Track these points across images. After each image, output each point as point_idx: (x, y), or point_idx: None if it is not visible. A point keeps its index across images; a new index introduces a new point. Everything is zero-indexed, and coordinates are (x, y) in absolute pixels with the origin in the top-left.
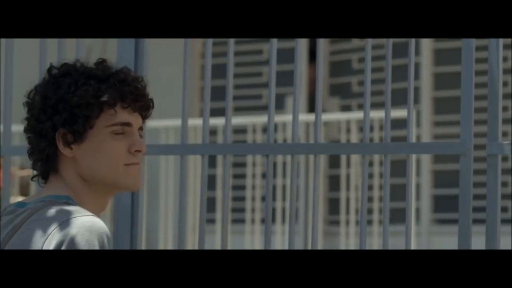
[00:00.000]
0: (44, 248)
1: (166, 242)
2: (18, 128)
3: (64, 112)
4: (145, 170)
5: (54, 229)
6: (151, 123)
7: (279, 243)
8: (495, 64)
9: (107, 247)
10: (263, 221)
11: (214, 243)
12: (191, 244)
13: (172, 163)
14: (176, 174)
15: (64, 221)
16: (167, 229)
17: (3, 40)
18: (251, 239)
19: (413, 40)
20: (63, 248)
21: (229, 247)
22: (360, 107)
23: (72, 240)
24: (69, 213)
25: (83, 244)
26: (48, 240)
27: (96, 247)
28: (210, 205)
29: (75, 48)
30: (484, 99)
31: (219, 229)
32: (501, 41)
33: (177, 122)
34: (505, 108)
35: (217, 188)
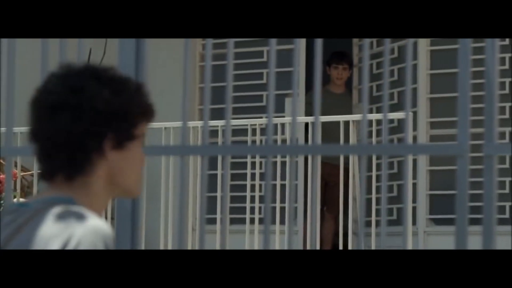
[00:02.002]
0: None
1: (166, 242)
2: (19, 129)
3: (120, 119)
4: (145, 171)
5: (59, 230)
6: (151, 124)
7: (278, 242)
8: (492, 65)
9: None
10: (262, 220)
11: (214, 243)
12: (191, 244)
13: (172, 163)
14: (176, 175)
15: (69, 223)
16: (167, 229)
17: (4, 40)
18: (250, 239)
19: (410, 42)
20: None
21: (228, 247)
22: (378, 110)
23: (77, 242)
24: (74, 215)
25: (88, 246)
26: (52, 241)
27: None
28: (210, 205)
29: (77, 49)
30: (481, 100)
31: (218, 229)
32: (497, 42)
33: (177, 123)
34: (502, 109)
35: (217, 188)
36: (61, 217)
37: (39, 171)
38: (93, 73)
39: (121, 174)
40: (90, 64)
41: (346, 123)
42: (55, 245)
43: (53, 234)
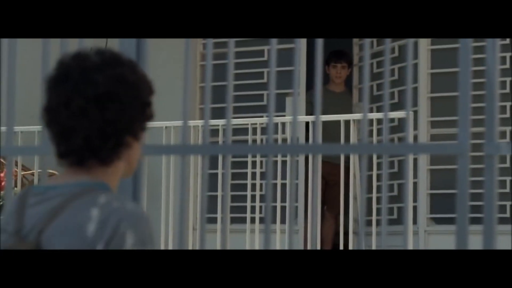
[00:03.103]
0: (98, 235)
1: (166, 241)
2: (20, 128)
3: (146, 107)
4: (145, 170)
5: (116, 219)
6: (152, 123)
7: (279, 242)
8: (492, 64)
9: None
10: (262, 220)
11: (215, 242)
12: (192, 243)
13: (173, 163)
14: (176, 174)
15: (118, 210)
16: (167, 229)
17: (5, 40)
18: (251, 238)
19: (411, 41)
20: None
21: (229, 246)
22: (378, 109)
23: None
24: (120, 202)
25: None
26: (104, 226)
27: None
28: (210, 204)
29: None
30: (482, 100)
31: (219, 228)
32: (498, 41)
33: (178, 122)
34: (503, 109)
35: (218, 188)
36: (109, 204)
37: (57, 153)
38: (124, 61)
39: (134, 161)
40: (111, 51)
41: (347, 122)
42: (107, 231)
43: (103, 219)
